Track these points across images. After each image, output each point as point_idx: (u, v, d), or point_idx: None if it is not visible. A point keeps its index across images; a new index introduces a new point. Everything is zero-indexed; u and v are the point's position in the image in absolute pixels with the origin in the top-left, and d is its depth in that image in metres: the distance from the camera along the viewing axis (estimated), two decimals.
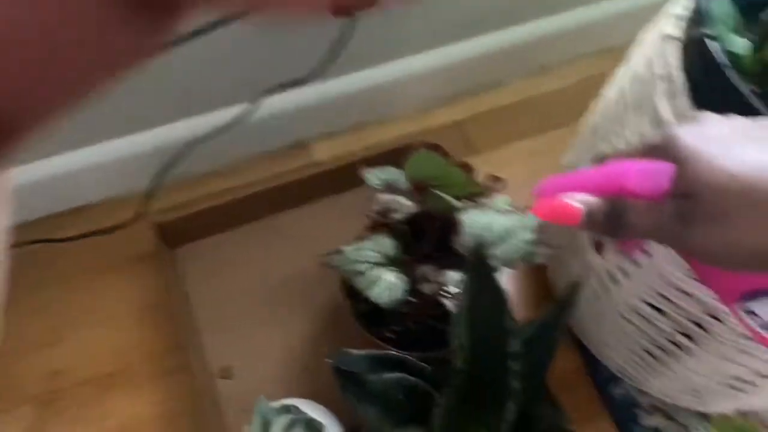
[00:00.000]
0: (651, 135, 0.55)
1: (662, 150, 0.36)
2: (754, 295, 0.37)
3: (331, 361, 0.51)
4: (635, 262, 0.58)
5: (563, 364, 0.79)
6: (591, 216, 0.37)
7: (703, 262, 0.34)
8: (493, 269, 0.48)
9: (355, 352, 0.53)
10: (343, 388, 0.52)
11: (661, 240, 0.36)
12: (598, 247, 0.42)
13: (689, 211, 0.33)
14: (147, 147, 0.85)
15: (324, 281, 0.81)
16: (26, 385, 0.77)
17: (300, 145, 0.94)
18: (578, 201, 0.37)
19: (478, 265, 0.48)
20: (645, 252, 0.40)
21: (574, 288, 0.50)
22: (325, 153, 0.93)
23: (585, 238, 0.65)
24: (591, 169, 0.38)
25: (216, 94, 0.84)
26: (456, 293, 0.51)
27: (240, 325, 0.80)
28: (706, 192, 0.33)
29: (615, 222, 0.37)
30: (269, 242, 0.85)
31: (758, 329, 0.38)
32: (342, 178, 0.83)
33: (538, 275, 0.85)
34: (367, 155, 0.84)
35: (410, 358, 0.55)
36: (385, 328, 0.72)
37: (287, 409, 0.63)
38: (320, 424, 0.60)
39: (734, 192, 0.32)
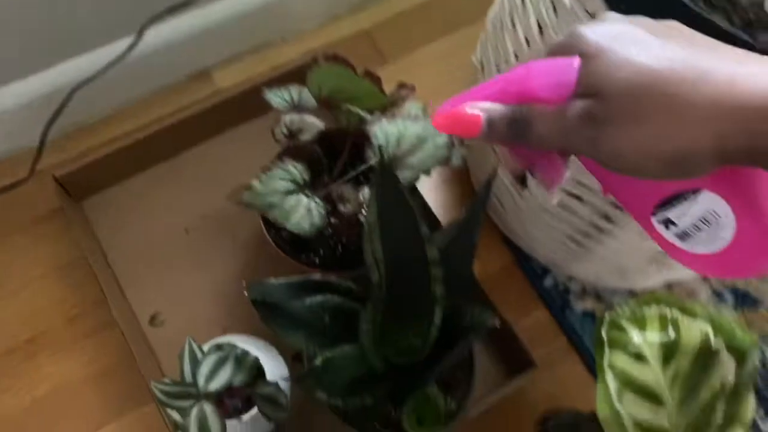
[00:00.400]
0: (553, 21, 0.53)
1: (568, 48, 0.33)
2: (670, 201, 0.36)
3: (247, 294, 0.49)
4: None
5: (495, 265, 0.80)
6: (492, 124, 0.34)
7: (615, 170, 0.32)
8: (399, 179, 0.46)
9: (273, 281, 0.51)
10: (265, 319, 0.50)
11: (569, 148, 0.34)
12: (522, 181, 0.40)
13: (597, 112, 0.31)
14: (30, 97, 0.78)
15: (244, 214, 0.77)
16: None
17: (202, 74, 0.88)
18: (478, 108, 0.35)
19: (383, 177, 0.46)
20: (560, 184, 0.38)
21: (488, 184, 0.49)
22: (229, 79, 0.88)
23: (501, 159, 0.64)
24: (493, 78, 0.36)
25: (98, 29, 0.76)
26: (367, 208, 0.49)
27: (161, 271, 0.76)
28: (614, 89, 0.30)
29: (519, 130, 0.34)
30: (180, 181, 0.81)
31: (675, 241, 0.37)
32: (249, 104, 0.79)
33: (461, 179, 0.84)
34: (272, 76, 0.79)
35: (333, 278, 0.54)
36: (312, 252, 0.70)
37: (219, 347, 0.61)
38: (253, 357, 0.59)
39: (645, 88, 0.30)
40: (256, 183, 0.62)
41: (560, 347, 0.77)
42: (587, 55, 0.32)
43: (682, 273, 0.74)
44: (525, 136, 0.34)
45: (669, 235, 0.37)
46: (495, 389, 0.68)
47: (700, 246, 0.36)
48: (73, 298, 0.76)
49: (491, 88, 0.35)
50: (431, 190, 0.83)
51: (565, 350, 0.77)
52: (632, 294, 0.78)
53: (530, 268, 0.79)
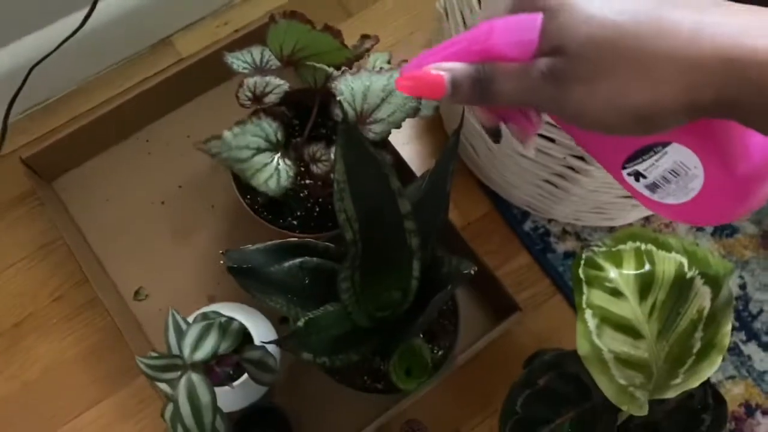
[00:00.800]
0: None
1: (530, 2, 0.32)
2: (639, 155, 0.35)
3: (223, 262, 0.49)
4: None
5: (476, 214, 0.80)
6: (456, 84, 0.33)
7: (582, 127, 0.32)
8: (362, 134, 0.46)
9: (249, 247, 0.51)
10: (244, 286, 0.50)
11: (535, 105, 0.33)
12: (495, 135, 0.39)
13: (561, 70, 0.30)
14: None
15: (218, 182, 0.77)
16: None
17: (163, 43, 0.86)
18: (441, 69, 0.34)
19: (346, 133, 0.45)
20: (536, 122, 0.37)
21: (456, 133, 0.49)
22: (192, 46, 0.85)
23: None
24: (457, 36, 0.35)
25: (50, 2, 0.74)
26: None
27: (141, 245, 0.76)
28: (577, 45, 0.30)
29: (483, 89, 0.33)
30: (152, 153, 0.80)
31: (645, 192, 0.37)
32: (214, 69, 0.76)
33: (436, 131, 0.83)
34: (234, 39, 0.77)
35: (310, 240, 0.54)
36: (290, 215, 0.70)
37: (205, 316, 0.62)
38: (238, 323, 0.59)
39: (608, 43, 0.29)
40: (227, 133, 0.60)
41: (545, 289, 0.78)
42: (549, 9, 0.31)
43: None
44: (489, 96, 0.33)
45: (639, 186, 0.37)
46: (482, 336, 0.69)
47: (670, 197, 0.36)
48: (56, 278, 0.76)
49: (455, 46, 0.35)
50: (406, 143, 0.82)
51: (550, 292, 0.78)
52: (612, 231, 0.79)
53: (509, 214, 0.80)
